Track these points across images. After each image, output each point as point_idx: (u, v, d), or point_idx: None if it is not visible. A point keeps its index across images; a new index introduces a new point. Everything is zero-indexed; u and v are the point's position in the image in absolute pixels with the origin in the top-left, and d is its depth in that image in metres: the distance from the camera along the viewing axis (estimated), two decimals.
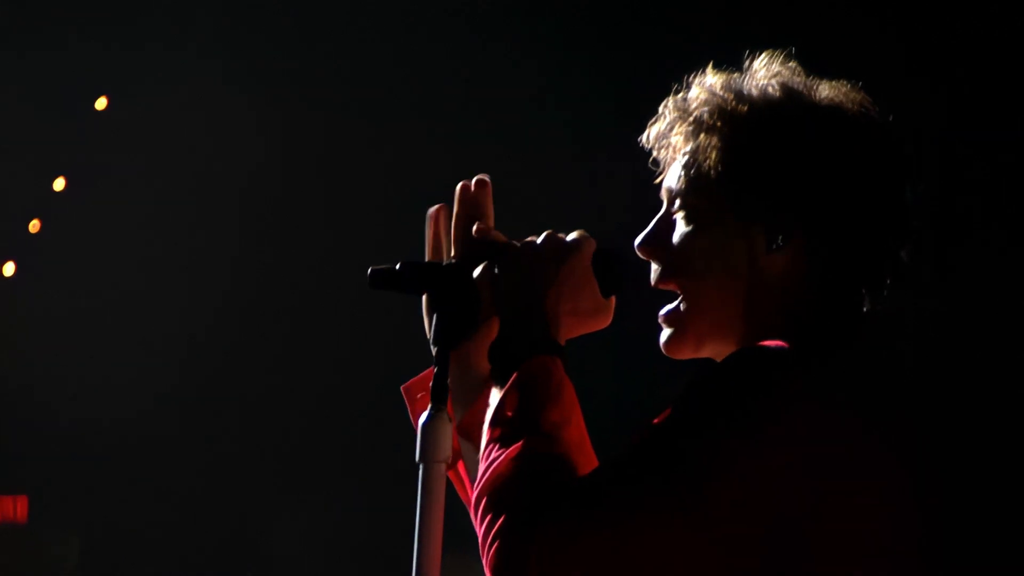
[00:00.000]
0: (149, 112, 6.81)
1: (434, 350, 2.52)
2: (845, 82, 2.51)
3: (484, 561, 2.31)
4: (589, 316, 2.52)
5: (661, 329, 2.53)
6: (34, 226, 7.00)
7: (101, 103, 6.79)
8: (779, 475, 2.24)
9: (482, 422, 2.43)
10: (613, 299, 2.55)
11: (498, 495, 2.31)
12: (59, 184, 6.94)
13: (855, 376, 2.38)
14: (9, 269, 7.06)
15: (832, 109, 2.46)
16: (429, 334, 2.54)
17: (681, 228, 2.49)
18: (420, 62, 6.73)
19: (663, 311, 2.52)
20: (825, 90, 2.49)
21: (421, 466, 2.45)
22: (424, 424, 2.46)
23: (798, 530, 2.25)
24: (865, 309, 2.47)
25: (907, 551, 2.33)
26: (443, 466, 2.46)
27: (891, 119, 2.50)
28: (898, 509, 2.33)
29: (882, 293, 2.47)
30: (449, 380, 2.53)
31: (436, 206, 2.61)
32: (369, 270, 2.55)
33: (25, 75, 6.74)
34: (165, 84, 6.75)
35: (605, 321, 2.55)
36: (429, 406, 2.48)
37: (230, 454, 7.07)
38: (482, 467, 2.37)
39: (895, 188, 2.47)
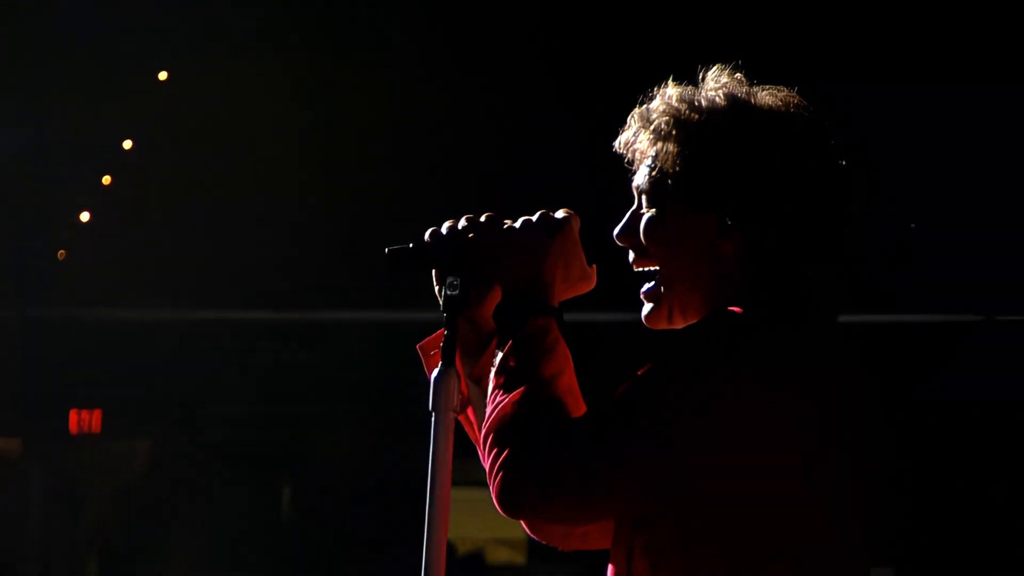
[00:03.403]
0: (205, 83, 6.83)
1: (444, 315, 2.60)
2: (783, 88, 2.56)
3: (491, 490, 2.40)
4: (578, 281, 2.60)
5: (642, 304, 2.59)
6: (106, 180, 7.05)
7: (163, 75, 6.83)
8: (734, 416, 2.33)
9: (490, 372, 2.52)
10: (595, 266, 2.63)
11: (502, 433, 2.40)
12: (127, 144, 7.00)
13: (798, 337, 2.44)
14: (85, 216, 7.12)
15: (769, 112, 2.51)
16: (440, 302, 2.62)
17: (648, 220, 2.56)
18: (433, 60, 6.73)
19: (643, 289, 2.58)
20: (764, 97, 2.53)
21: (433, 414, 2.55)
22: (436, 379, 2.55)
23: (742, 472, 2.33)
24: (812, 281, 2.51)
25: (842, 502, 2.39)
26: (452, 414, 2.55)
27: (825, 117, 2.55)
28: (833, 458, 2.39)
29: (825, 268, 2.51)
30: (459, 338, 2.62)
31: None
32: (386, 249, 2.62)
33: (102, 50, 6.76)
34: (220, 59, 6.77)
35: (590, 285, 2.63)
36: (440, 363, 2.57)
37: (277, 383, 7.12)
38: (488, 409, 2.46)
39: (827, 178, 2.51)
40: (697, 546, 2.34)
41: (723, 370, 2.35)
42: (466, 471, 2.73)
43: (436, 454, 2.52)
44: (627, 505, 2.39)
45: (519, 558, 7.51)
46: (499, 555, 7.52)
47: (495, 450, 2.39)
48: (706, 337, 2.41)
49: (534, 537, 2.64)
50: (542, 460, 2.36)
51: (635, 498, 2.37)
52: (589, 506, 2.40)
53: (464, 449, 2.61)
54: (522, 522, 2.57)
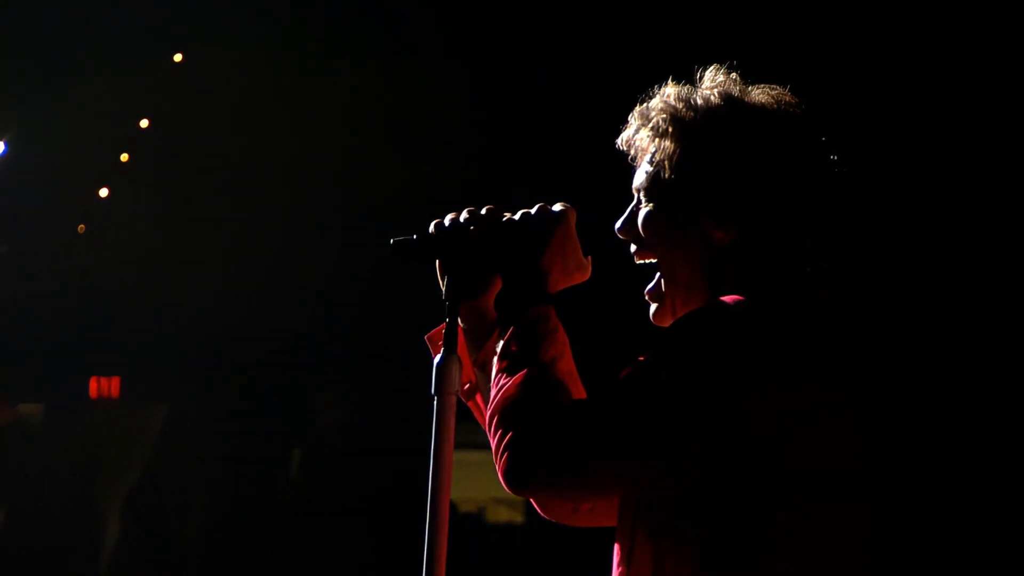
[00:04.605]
0: (218, 68, 6.85)
1: (446, 304, 2.64)
2: (776, 86, 2.59)
3: (497, 468, 2.43)
4: (574, 272, 2.64)
5: (648, 305, 2.62)
6: (124, 158, 7.08)
7: (178, 56, 6.85)
8: (736, 403, 2.34)
9: (493, 358, 2.55)
10: (590, 257, 2.66)
11: (507, 414, 2.43)
12: (144, 123, 7.02)
13: (798, 320, 2.45)
14: (104, 192, 7.15)
15: (761, 109, 2.54)
16: (442, 292, 2.66)
17: (647, 213, 2.59)
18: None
19: (647, 288, 2.61)
20: (758, 95, 2.57)
21: (436, 397, 2.59)
22: (438, 364, 2.60)
23: (748, 452, 2.34)
24: (807, 268, 2.53)
25: (850, 481, 2.41)
26: (453, 397, 2.59)
27: (813, 113, 2.57)
28: (842, 434, 2.41)
29: (817, 257, 2.53)
30: (463, 327, 2.66)
31: None
32: (391, 240, 2.65)
33: (120, 32, 6.78)
34: (234, 44, 6.79)
35: (586, 275, 2.66)
36: (442, 350, 2.61)
37: (289, 353, 7.16)
38: (493, 392, 2.49)
39: (818, 171, 2.53)
40: (703, 528, 2.36)
41: (724, 356, 2.36)
42: (466, 433, 2.78)
43: (438, 434, 2.57)
44: (630, 483, 2.42)
45: (518, 517, 7.56)
46: (499, 514, 7.57)
47: (500, 431, 2.42)
48: (706, 323, 2.40)
49: (543, 515, 2.68)
50: (545, 439, 2.38)
51: (638, 479, 2.39)
52: (591, 484, 2.43)
53: (463, 415, 2.66)
54: (531, 499, 2.62)
